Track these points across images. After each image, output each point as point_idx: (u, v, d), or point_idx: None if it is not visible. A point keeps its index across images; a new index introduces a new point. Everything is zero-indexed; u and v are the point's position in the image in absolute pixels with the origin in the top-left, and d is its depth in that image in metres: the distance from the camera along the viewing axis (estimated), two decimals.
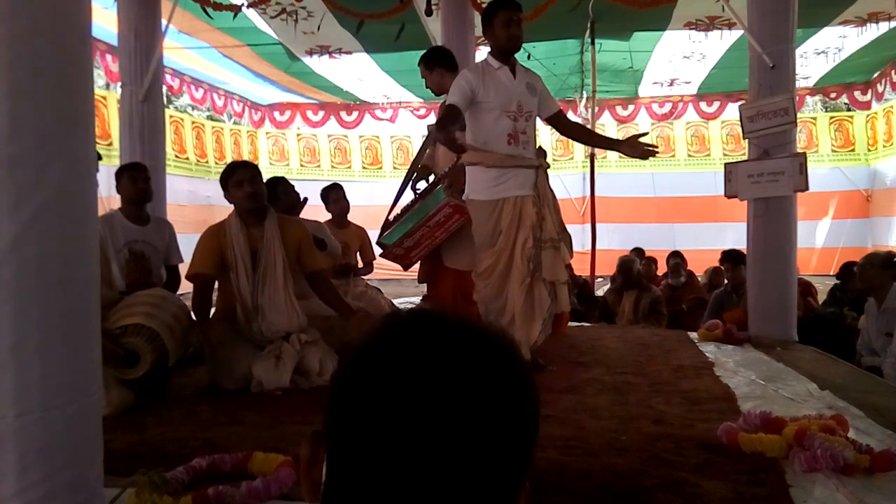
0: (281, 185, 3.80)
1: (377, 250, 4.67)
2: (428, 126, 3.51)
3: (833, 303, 5.00)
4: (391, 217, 3.70)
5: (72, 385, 1.43)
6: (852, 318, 4.48)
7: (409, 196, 3.76)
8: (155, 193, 3.80)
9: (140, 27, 4.63)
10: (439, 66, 3.74)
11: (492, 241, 3.16)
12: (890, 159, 9.69)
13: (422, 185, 3.84)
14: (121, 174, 3.63)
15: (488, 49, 3.30)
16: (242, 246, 3.03)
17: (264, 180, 3.22)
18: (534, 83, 3.30)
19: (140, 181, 3.55)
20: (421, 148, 3.67)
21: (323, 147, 11.72)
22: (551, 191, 3.38)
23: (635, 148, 3.14)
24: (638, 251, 6.79)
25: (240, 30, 6.68)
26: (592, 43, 6.90)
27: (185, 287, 4.21)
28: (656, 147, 3.22)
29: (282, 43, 7.29)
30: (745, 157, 4.35)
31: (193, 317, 3.01)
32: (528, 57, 7.04)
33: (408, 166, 3.86)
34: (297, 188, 3.99)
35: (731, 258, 5.09)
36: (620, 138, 3.30)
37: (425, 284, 3.98)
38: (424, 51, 3.94)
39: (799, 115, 4.88)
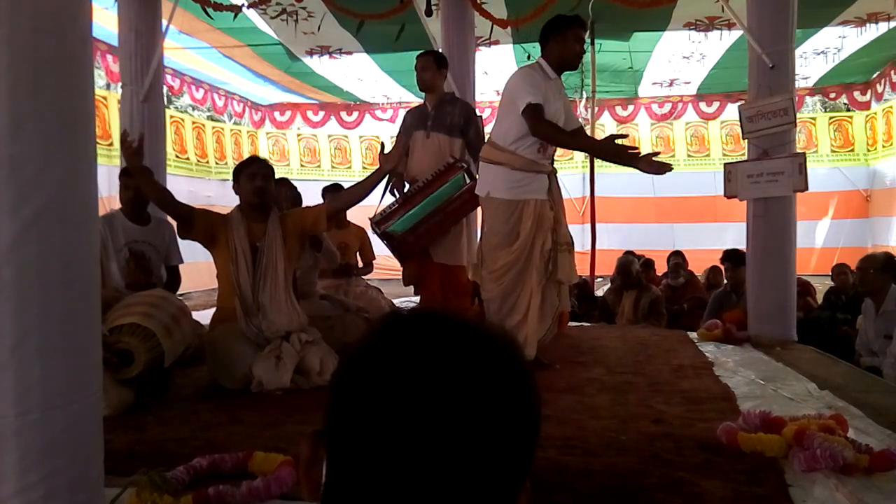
0: (286, 186, 3.92)
1: (377, 250, 4.69)
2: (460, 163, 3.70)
3: (828, 306, 5.01)
4: (381, 211, 3.75)
5: (72, 385, 1.43)
6: (846, 318, 4.49)
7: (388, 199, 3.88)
8: None
9: (140, 27, 4.63)
10: (447, 69, 3.98)
11: (508, 241, 3.18)
12: (889, 159, 9.69)
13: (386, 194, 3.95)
14: (119, 178, 3.60)
15: (533, 58, 3.31)
16: (243, 238, 3.05)
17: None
18: (566, 98, 3.38)
19: (131, 188, 3.43)
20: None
21: (323, 147, 11.72)
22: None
23: (650, 164, 3.05)
24: (630, 254, 6.76)
25: (240, 30, 6.68)
26: (592, 43, 6.90)
27: (185, 287, 4.23)
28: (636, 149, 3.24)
29: (282, 43, 7.29)
30: (745, 158, 4.35)
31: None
32: (528, 57, 7.05)
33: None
34: (297, 188, 4.09)
35: (732, 258, 5.09)
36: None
37: (413, 286, 4.01)
38: (424, 50, 4.06)
39: (798, 115, 4.88)
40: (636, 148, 3.27)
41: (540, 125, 3.05)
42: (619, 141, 3.13)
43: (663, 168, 3.03)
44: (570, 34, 3.17)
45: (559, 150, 3.44)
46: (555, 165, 3.40)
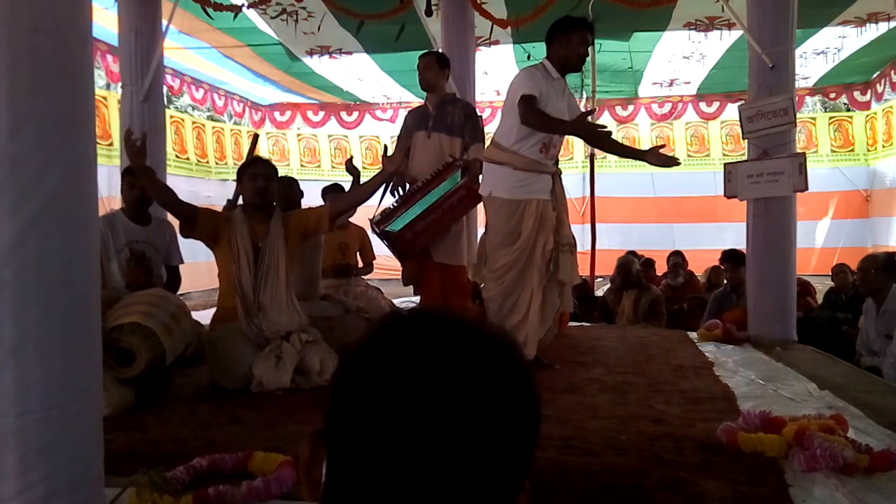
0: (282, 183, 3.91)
1: (377, 250, 4.69)
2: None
3: (828, 306, 5.01)
4: (381, 212, 3.75)
5: (72, 385, 1.43)
6: (846, 318, 4.49)
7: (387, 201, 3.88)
8: None
9: (140, 27, 4.63)
10: (448, 69, 4.00)
11: (510, 241, 3.19)
12: (889, 159, 9.68)
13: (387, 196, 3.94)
14: (121, 178, 3.61)
15: (539, 58, 3.32)
16: (245, 238, 3.06)
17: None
18: (571, 98, 3.38)
19: (137, 187, 3.42)
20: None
21: (323, 147, 11.71)
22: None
23: (658, 157, 3.11)
24: (632, 254, 6.78)
25: (240, 30, 6.68)
26: (592, 43, 6.87)
27: (185, 287, 4.23)
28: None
29: (282, 43, 7.29)
30: (745, 158, 4.35)
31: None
32: (528, 57, 7.05)
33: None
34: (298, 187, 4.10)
35: (731, 258, 5.09)
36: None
37: (412, 286, 4.01)
38: (425, 50, 4.07)
39: (798, 115, 4.88)
40: (605, 126, 3.27)
41: (529, 113, 3.05)
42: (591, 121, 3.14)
43: (671, 161, 3.03)
44: (575, 36, 3.17)
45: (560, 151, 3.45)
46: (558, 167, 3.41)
